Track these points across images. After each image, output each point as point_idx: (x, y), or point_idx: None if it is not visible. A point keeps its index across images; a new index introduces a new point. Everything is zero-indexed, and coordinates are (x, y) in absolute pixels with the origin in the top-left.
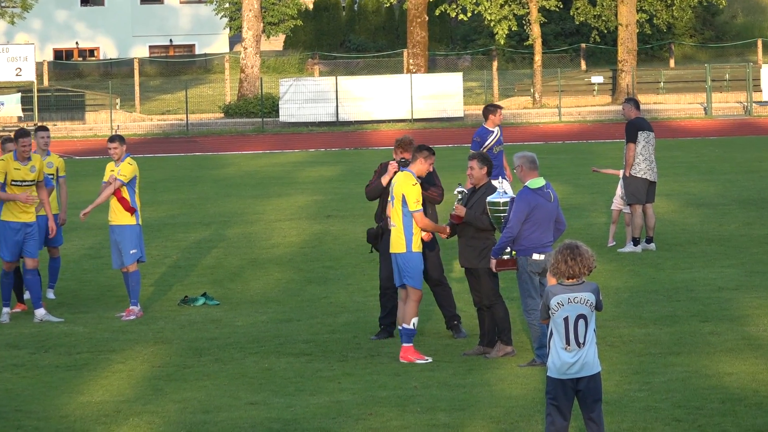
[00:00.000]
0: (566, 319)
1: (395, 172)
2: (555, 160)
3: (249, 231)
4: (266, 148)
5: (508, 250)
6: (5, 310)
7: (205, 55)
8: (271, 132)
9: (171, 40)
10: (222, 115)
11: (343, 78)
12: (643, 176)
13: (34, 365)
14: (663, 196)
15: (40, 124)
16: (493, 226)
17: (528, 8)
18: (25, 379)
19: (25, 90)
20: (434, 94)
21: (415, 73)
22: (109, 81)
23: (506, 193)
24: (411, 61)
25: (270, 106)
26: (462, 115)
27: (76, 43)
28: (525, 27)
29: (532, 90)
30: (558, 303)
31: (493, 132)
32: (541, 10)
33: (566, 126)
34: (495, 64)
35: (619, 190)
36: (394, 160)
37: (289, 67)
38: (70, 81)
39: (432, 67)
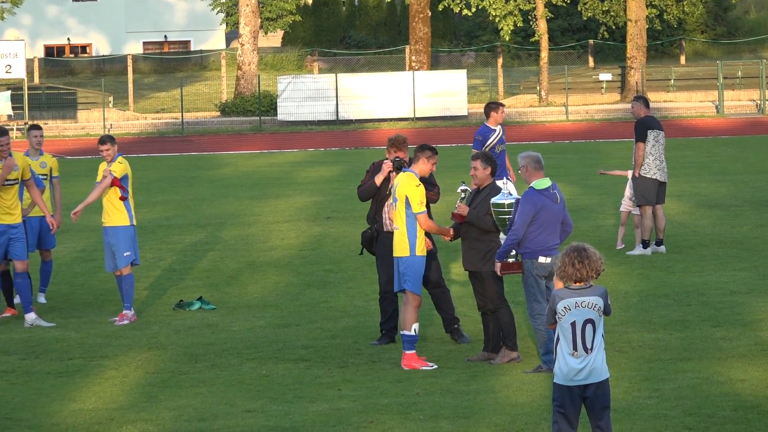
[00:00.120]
0: (573, 324)
1: (389, 172)
2: (562, 160)
3: (246, 233)
4: (264, 147)
5: (513, 253)
6: None
7: (201, 51)
8: (269, 131)
9: (166, 36)
10: (218, 113)
11: (343, 75)
12: (653, 176)
13: (25, 372)
14: (673, 197)
15: (32, 122)
16: (497, 228)
17: (534, 3)
18: (16, 386)
19: (15, 88)
20: (437, 91)
21: (417, 70)
22: (102, 78)
23: (511, 195)
24: (413, 57)
25: (268, 104)
26: (466, 114)
27: (68, 39)
28: (531, 22)
29: (538, 88)
30: (565, 307)
31: (495, 130)
32: (548, 5)
33: (573, 125)
34: (500, 60)
35: (628, 191)
36: (387, 159)
37: (287, 64)
38: (62, 78)
39: (435, 64)
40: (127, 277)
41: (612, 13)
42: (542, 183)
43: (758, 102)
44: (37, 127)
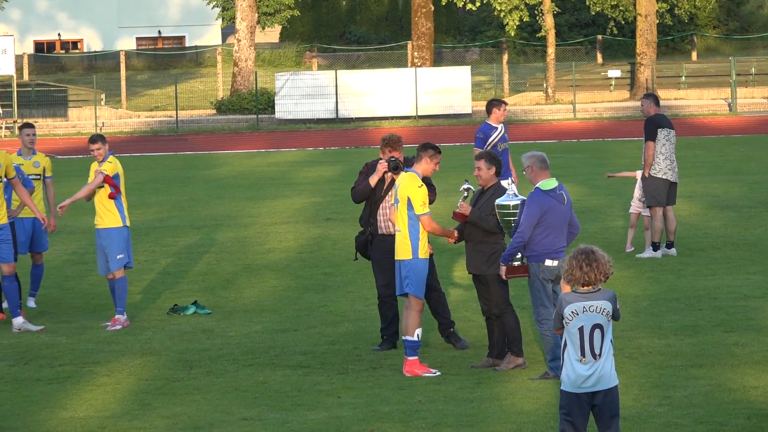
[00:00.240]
0: (581, 329)
1: (384, 173)
2: (569, 159)
3: (243, 235)
4: (261, 146)
5: (519, 256)
6: None
7: (196, 47)
8: (267, 130)
9: (159, 32)
10: (214, 111)
11: (343, 72)
12: (664, 177)
13: (14, 378)
14: (684, 197)
15: (24, 120)
16: (501, 229)
17: None
18: (4, 394)
19: (3, 85)
20: (440, 89)
21: (420, 66)
22: (94, 75)
23: (516, 196)
24: (416, 54)
25: (265, 102)
26: (470, 112)
27: (59, 34)
28: (537, 17)
29: (544, 85)
30: (572, 312)
31: (496, 128)
32: None
33: (581, 123)
34: (505, 57)
35: (637, 192)
36: (381, 159)
37: (285, 61)
38: (52, 75)
39: (438, 60)
40: (120, 280)
41: (621, 8)
42: (548, 183)
43: None
44: (30, 126)
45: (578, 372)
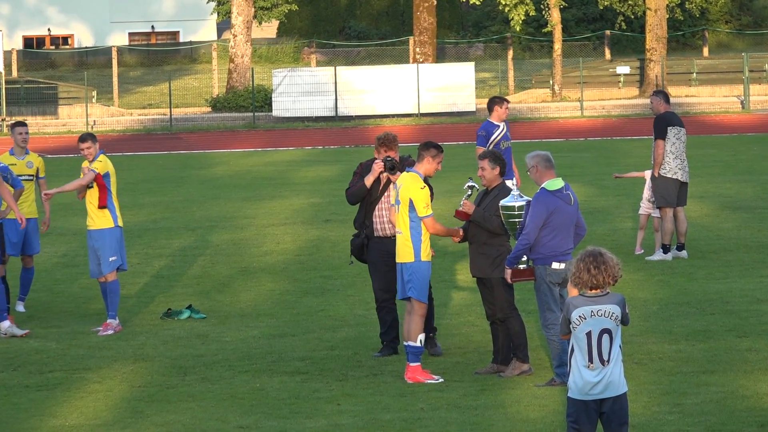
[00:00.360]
0: (589, 334)
1: (380, 172)
2: (576, 158)
3: (239, 237)
4: (258, 145)
5: (525, 258)
6: None
7: (191, 43)
8: (263, 128)
9: (153, 27)
10: (209, 109)
11: (343, 68)
12: (674, 176)
13: (2, 385)
14: (696, 198)
15: (13, 119)
16: (505, 230)
17: None
18: None
19: None
20: (443, 86)
21: (422, 62)
22: (85, 72)
23: (522, 197)
24: (418, 49)
25: (262, 99)
26: (474, 110)
27: (48, 29)
28: (543, 12)
29: (551, 81)
30: (580, 316)
31: (498, 126)
32: None
33: (589, 121)
34: (510, 53)
35: (647, 193)
36: (376, 159)
37: (283, 57)
38: (42, 71)
39: (441, 56)
40: (112, 283)
41: (630, 2)
42: (555, 183)
43: None
44: (22, 124)
45: (586, 378)
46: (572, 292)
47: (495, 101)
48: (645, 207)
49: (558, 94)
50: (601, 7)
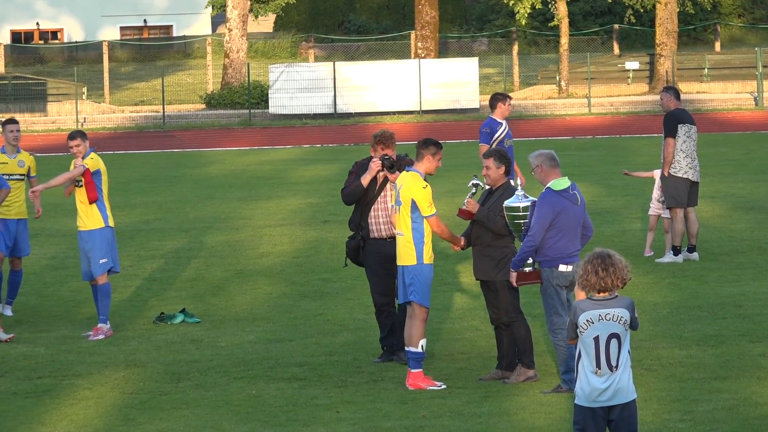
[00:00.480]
0: (597, 339)
1: (378, 171)
2: (584, 157)
3: (234, 238)
4: (254, 143)
5: (531, 261)
6: None
7: (184, 37)
8: (260, 125)
9: (145, 21)
10: (203, 106)
11: (342, 64)
12: (684, 176)
13: None
14: (707, 198)
15: (4, 116)
16: (510, 231)
17: None
18: None
19: None
20: (446, 82)
21: (423, 58)
22: (75, 67)
23: (527, 197)
24: (419, 44)
25: (258, 95)
26: (477, 106)
27: (37, 23)
28: (550, 5)
29: (557, 77)
30: (587, 320)
31: (501, 124)
32: None
33: (596, 118)
34: (515, 47)
35: (656, 193)
36: (373, 158)
37: (280, 52)
38: (30, 67)
39: (443, 51)
40: (103, 286)
41: None
42: (561, 183)
43: None
44: (14, 121)
45: (593, 385)
46: (579, 295)
47: (498, 98)
48: (655, 207)
49: (565, 90)
50: (610, 1)
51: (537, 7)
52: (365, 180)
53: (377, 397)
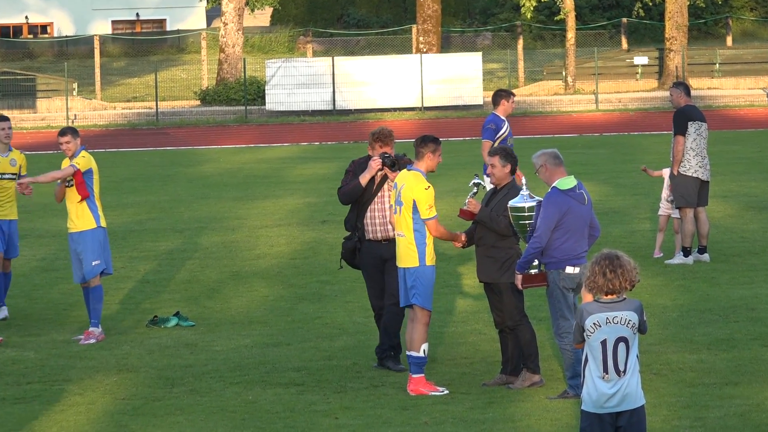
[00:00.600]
0: (604, 343)
1: (378, 170)
2: (591, 155)
3: (230, 239)
4: (250, 141)
5: (536, 263)
6: None
7: (178, 31)
8: (256, 122)
9: (138, 14)
10: (198, 102)
11: (341, 59)
12: (694, 175)
13: None
14: (718, 197)
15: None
16: (514, 232)
17: None
18: None
19: None
20: (448, 77)
21: (425, 53)
22: (65, 62)
23: (532, 197)
24: (421, 38)
25: (254, 92)
26: (481, 103)
27: (26, 17)
28: None
29: (563, 73)
30: (594, 324)
31: (504, 121)
32: None
33: (604, 115)
34: (520, 42)
35: (665, 193)
36: (372, 156)
37: (277, 46)
38: (19, 62)
39: (446, 46)
40: (95, 289)
41: None
42: (567, 182)
43: None
44: (5, 119)
45: (601, 390)
46: (586, 297)
47: (502, 94)
48: (664, 207)
49: (571, 86)
50: None
51: (542, 1)
52: (364, 179)
53: (377, 403)
